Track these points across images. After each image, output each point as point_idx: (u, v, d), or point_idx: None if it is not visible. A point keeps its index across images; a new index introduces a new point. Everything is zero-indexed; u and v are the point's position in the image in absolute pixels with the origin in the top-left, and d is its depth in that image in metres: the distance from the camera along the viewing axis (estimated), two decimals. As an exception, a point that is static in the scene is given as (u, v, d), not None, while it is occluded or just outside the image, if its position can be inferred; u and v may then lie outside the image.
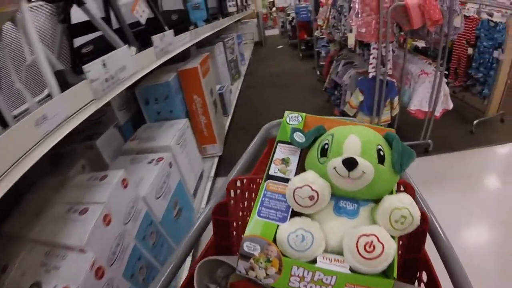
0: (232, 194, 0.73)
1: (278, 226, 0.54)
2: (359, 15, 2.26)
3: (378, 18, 2.18)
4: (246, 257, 0.52)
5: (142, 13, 1.56)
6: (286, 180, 0.59)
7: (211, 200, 0.77)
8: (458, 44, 3.45)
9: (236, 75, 5.20)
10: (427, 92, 2.60)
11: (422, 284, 0.65)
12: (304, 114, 0.71)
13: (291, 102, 4.65)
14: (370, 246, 0.45)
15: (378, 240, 0.46)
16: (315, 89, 4.98)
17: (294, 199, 0.53)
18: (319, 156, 0.56)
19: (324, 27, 3.56)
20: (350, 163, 0.50)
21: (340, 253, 0.50)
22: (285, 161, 0.63)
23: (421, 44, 3.76)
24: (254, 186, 0.74)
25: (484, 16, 3.15)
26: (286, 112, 0.71)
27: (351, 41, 2.44)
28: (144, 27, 1.61)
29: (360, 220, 0.53)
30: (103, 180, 1.16)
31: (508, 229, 1.98)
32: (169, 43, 1.76)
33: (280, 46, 9.32)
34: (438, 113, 2.69)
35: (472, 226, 2.04)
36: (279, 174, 0.62)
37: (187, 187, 1.96)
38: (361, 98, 2.52)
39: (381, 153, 0.53)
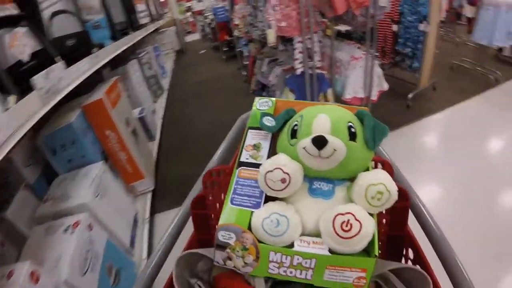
0: (209, 186, 0.75)
1: (252, 212, 0.55)
2: (277, 8, 2.20)
3: (298, 8, 2.12)
4: (222, 246, 0.53)
5: (24, 48, 1.31)
6: (258, 166, 0.59)
7: (189, 194, 0.78)
8: (383, 22, 3.66)
9: (159, 91, 5.04)
10: (360, 77, 2.67)
11: (409, 261, 0.67)
12: (274, 98, 0.73)
13: (220, 110, 4.58)
14: (347, 225, 0.46)
15: (355, 218, 0.47)
16: (243, 92, 4.98)
17: (266, 183, 0.54)
18: (289, 139, 0.58)
19: (241, 26, 3.53)
20: (319, 142, 0.51)
21: (318, 235, 0.51)
22: (256, 147, 0.64)
23: (343, 27, 3.92)
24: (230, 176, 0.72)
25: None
26: (256, 98, 0.73)
27: (271, 38, 2.35)
28: (31, 64, 1.38)
29: (336, 200, 0.55)
30: (10, 279, 0.99)
31: (456, 196, 2.16)
32: (59, 79, 1.50)
33: (203, 51, 9.32)
34: (374, 96, 2.80)
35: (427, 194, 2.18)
36: (251, 160, 0.63)
37: (121, 242, 1.81)
38: (292, 97, 2.46)
39: (352, 129, 0.55)
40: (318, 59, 2.37)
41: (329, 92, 2.56)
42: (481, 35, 3.98)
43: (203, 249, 0.62)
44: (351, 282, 0.49)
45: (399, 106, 3.54)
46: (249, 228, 0.53)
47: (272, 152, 0.64)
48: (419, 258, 0.63)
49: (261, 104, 0.73)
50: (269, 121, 0.63)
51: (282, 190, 0.54)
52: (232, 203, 0.58)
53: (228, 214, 0.56)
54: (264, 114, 0.66)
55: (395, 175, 0.71)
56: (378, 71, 2.83)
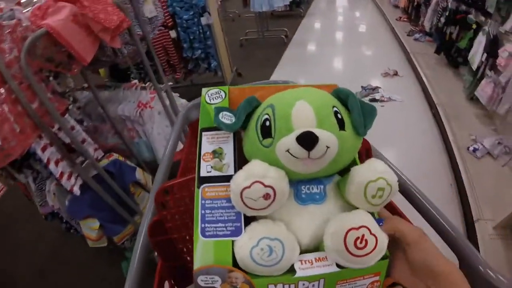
0: (166, 207, 0.65)
1: (233, 242, 0.44)
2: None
3: (15, 102, 1.03)
4: None
5: None
6: (227, 178, 0.47)
7: (142, 221, 0.65)
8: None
9: None
10: (165, 126, 1.78)
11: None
12: (226, 87, 0.58)
13: None
14: (361, 242, 0.39)
15: (370, 233, 0.39)
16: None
17: (244, 203, 0.42)
18: (260, 138, 0.45)
19: None
20: (308, 141, 0.40)
21: (315, 249, 0.45)
22: (217, 154, 0.50)
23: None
24: (190, 189, 0.62)
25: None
26: (204, 90, 0.58)
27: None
28: None
29: (329, 202, 0.46)
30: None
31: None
32: None
33: None
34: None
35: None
36: (215, 173, 0.49)
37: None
38: (96, 224, 1.42)
39: (339, 116, 0.44)
40: (93, 148, 1.31)
41: (139, 175, 1.52)
42: (259, 3, 3.85)
43: None
44: None
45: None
46: (235, 263, 0.42)
47: (240, 157, 0.50)
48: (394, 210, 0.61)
49: (211, 96, 0.57)
50: (227, 118, 0.49)
51: (266, 208, 0.42)
52: (203, 236, 0.45)
53: (203, 251, 0.44)
54: (219, 109, 0.51)
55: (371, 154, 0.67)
56: (182, 102, 1.97)
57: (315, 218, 0.45)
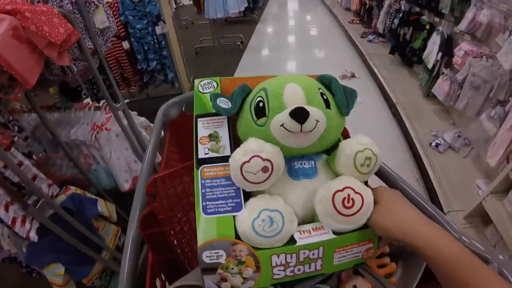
0: (158, 198, 0.63)
1: (234, 217, 0.46)
2: None
3: None
4: (211, 269, 0.44)
5: None
6: (224, 159, 0.50)
7: (131, 214, 0.62)
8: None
9: None
10: (125, 149, 1.60)
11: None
12: (218, 78, 0.63)
13: None
14: (348, 201, 0.43)
15: (355, 192, 0.43)
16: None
17: (244, 177, 0.45)
18: (255, 118, 0.49)
19: None
20: (300, 114, 0.43)
21: (310, 220, 0.48)
22: (213, 137, 0.54)
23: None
24: (181, 179, 0.66)
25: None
26: (196, 80, 0.62)
27: None
28: None
29: (321, 177, 0.49)
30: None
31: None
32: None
33: None
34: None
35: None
36: (212, 154, 0.52)
37: None
38: (61, 270, 1.19)
39: (324, 96, 0.49)
40: (47, 183, 1.13)
41: (102, 207, 1.33)
42: (214, 10, 3.76)
43: (183, 277, 0.56)
44: (360, 257, 0.47)
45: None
46: (237, 237, 0.44)
47: (234, 140, 0.54)
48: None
49: (204, 86, 0.61)
50: (224, 103, 0.53)
51: (264, 181, 0.45)
52: (205, 213, 0.47)
53: (206, 227, 0.45)
54: (215, 95, 0.54)
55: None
56: (141, 121, 1.78)
57: (308, 191, 0.48)
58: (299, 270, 0.45)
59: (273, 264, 0.44)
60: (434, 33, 2.60)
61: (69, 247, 1.12)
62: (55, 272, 1.13)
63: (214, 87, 0.62)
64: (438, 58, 2.55)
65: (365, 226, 0.46)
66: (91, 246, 1.21)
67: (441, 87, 2.52)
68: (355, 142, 0.48)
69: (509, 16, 1.92)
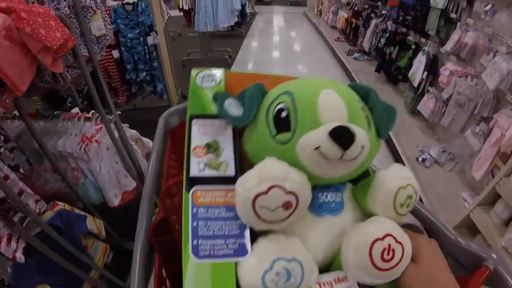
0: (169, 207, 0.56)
1: (237, 264, 0.34)
2: None
3: None
4: None
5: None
6: (225, 180, 0.38)
7: (138, 226, 0.53)
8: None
9: None
10: (115, 163, 1.53)
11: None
12: (222, 69, 0.48)
13: None
14: (388, 253, 0.34)
15: (396, 241, 0.34)
16: None
17: (256, 213, 0.33)
18: (273, 132, 0.37)
19: None
20: (344, 137, 0.32)
21: (329, 264, 0.39)
22: (212, 148, 0.40)
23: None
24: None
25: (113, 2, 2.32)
26: (194, 70, 0.47)
27: None
28: None
29: (347, 213, 0.40)
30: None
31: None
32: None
33: None
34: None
35: None
36: (210, 172, 0.39)
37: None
38: None
39: (365, 113, 0.39)
40: (34, 199, 1.06)
41: (91, 223, 1.26)
42: (204, 23, 3.77)
43: None
44: None
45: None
46: None
47: (240, 154, 0.41)
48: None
49: (203, 78, 0.46)
50: (234, 107, 0.39)
51: (283, 220, 0.33)
52: (197, 256, 0.34)
53: (196, 278, 0.33)
54: (222, 95, 0.40)
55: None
56: (132, 134, 1.73)
57: (332, 232, 0.39)
58: None
59: None
60: (420, 53, 2.69)
61: (57, 267, 1.03)
62: None
63: (216, 81, 0.47)
64: (424, 76, 2.63)
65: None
66: (79, 265, 1.13)
67: (426, 104, 2.60)
68: (395, 176, 0.39)
69: (494, 39, 2.01)
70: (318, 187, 0.39)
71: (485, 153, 1.94)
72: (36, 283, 1.01)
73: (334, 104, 0.37)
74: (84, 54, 1.20)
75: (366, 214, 0.40)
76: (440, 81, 2.37)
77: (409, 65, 2.89)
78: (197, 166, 0.40)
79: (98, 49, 1.33)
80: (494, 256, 0.46)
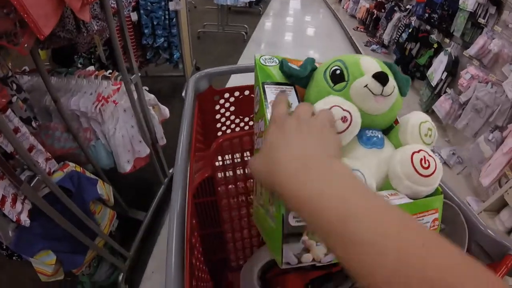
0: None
1: None
2: None
3: None
4: (296, 235, 0.41)
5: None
6: None
7: (175, 185, 0.54)
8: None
9: None
10: (131, 127, 1.48)
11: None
12: (279, 56, 0.59)
13: None
14: (425, 162, 0.44)
15: (429, 155, 0.44)
16: None
17: None
18: (331, 84, 0.49)
19: None
20: (383, 77, 0.45)
21: (381, 189, 0.47)
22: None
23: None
24: (242, 147, 0.76)
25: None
26: (257, 55, 0.59)
27: None
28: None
29: (388, 148, 0.50)
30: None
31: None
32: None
33: None
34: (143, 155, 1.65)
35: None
36: None
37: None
38: (52, 258, 1.02)
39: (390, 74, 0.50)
40: (45, 157, 1.02)
41: (101, 189, 1.23)
42: None
43: (254, 257, 0.60)
44: (428, 227, 0.46)
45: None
46: None
47: None
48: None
49: (266, 60, 0.58)
50: (295, 68, 0.53)
51: (343, 131, 0.44)
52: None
53: None
54: (285, 61, 0.54)
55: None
56: (150, 98, 1.67)
57: (379, 159, 0.48)
58: None
59: None
60: (442, 53, 2.61)
61: (61, 233, 0.99)
62: (45, 261, 0.99)
63: (276, 62, 0.59)
64: (443, 77, 2.56)
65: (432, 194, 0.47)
66: (86, 232, 1.09)
67: (443, 105, 2.54)
68: (417, 114, 0.50)
69: (520, 48, 1.94)
70: (364, 128, 0.49)
71: (495, 161, 1.91)
72: (38, 250, 0.96)
73: (372, 64, 0.49)
74: (112, 6, 1.13)
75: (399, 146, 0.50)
76: (460, 84, 2.31)
77: (429, 64, 2.81)
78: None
79: (126, 3, 1.25)
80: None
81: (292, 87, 0.54)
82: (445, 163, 2.43)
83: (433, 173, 0.43)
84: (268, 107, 0.50)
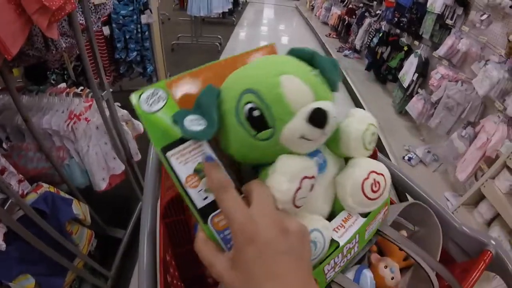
0: None
1: None
2: None
3: None
4: None
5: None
6: None
7: (145, 206, 0.53)
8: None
9: None
10: (104, 144, 1.43)
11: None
12: (161, 82, 0.40)
13: None
14: (375, 185, 0.42)
15: (377, 173, 0.43)
16: None
17: (296, 206, 0.37)
18: (252, 132, 0.38)
19: None
20: (320, 118, 0.36)
21: (331, 210, 0.46)
22: (201, 172, 0.37)
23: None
24: None
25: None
26: (133, 96, 0.38)
27: None
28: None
29: (330, 166, 0.45)
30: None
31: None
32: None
33: None
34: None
35: None
36: (212, 196, 0.36)
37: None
38: (31, 282, 0.97)
39: (319, 79, 0.40)
40: (17, 179, 0.98)
41: (77, 208, 1.18)
42: (197, 7, 3.65)
43: None
44: (381, 221, 0.50)
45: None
46: None
47: (231, 167, 0.38)
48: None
49: (148, 101, 0.38)
50: (197, 123, 0.36)
51: (304, 197, 0.38)
52: None
53: None
54: (179, 114, 0.37)
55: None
56: (123, 114, 1.63)
57: (324, 186, 0.45)
58: (343, 261, 0.45)
59: (325, 272, 0.43)
60: (412, 55, 2.70)
61: (39, 256, 0.94)
62: (24, 285, 0.94)
63: (163, 98, 0.40)
64: (414, 78, 2.65)
65: None
66: (63, 253, 1.04)
67: (415, 105, 2.62)
68: (356, 122, 0.45)
69: (485, 47, 2.04)
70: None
71: (470, 156, 1.98)
72: (17, 274, 0.91)
73: (299, 91, 0.37)
74: (80, 22, 1.09)
75: (341, 156, 0.47)
76: (431, 84, 2.39)
77: (400, 66, 2.91)
78: (199, 197, 0.37)
79: (95, 18, 1.22)
80: (493, 242, 0.51)
81: (204, 142, 0.39)
82: (421, 161, 2.50)
83: (383, 192, 0.43)
84: (188, 190, 0.37)
